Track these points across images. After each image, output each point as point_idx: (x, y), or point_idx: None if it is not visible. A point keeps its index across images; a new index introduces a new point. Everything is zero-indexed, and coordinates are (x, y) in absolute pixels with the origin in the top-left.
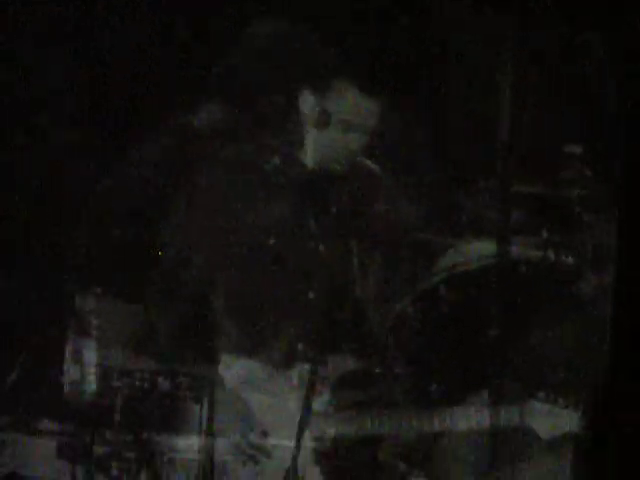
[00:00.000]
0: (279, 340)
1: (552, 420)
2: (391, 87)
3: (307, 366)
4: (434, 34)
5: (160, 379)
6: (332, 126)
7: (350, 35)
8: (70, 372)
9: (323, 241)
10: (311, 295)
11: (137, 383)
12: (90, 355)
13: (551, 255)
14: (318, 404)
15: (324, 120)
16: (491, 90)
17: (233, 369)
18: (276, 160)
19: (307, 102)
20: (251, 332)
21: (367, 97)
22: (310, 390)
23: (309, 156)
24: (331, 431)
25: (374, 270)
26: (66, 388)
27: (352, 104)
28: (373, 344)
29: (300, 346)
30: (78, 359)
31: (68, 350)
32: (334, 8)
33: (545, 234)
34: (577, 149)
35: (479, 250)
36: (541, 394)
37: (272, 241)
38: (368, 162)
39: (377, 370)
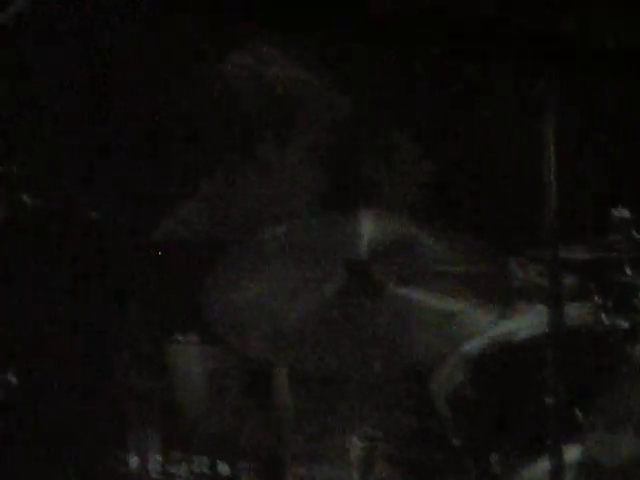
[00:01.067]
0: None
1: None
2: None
3: (366, 442)
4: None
5: (220, 464)
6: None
7: None
8: (131, 462)
9: (375, 319)
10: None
11: (196, 469)
12: (153, 443)
13: (605, 319)
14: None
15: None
16: (537, 156)
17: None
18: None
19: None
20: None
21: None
22: (369, 466)
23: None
24: None
25: (425, 340)
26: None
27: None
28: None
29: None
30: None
31: (130, 439)
32: None
33: (598, 299)
34: (625, 212)
35: (531, 318)
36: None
37: (334, 312)
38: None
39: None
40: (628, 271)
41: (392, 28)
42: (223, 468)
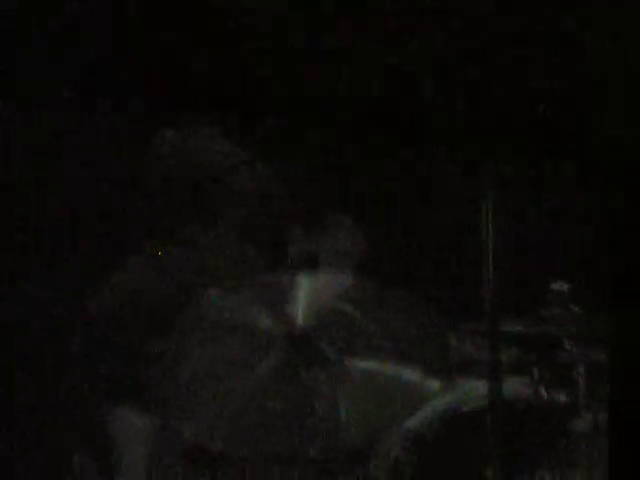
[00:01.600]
0: None
1: None
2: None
3: None
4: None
5: None
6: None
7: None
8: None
9: (315, 394)
10: (312, 452)
11: None
12: None
13: (543, 393)
14: None
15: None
16: (476, 228)
17: None
18: (266, 320)
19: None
20: None
21: (359, 229)
22: None
23: (300, 309)
24: None
25: (365, 414)
26: None
27: (344, 237)
28: None
29: None
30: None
31: None
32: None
33: (536, 373)
34: (564, 286)
35: (471, 391)
36: None
37: (269, 403)
38: (347, 307)
39: None
40: (567, 345)
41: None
42: None
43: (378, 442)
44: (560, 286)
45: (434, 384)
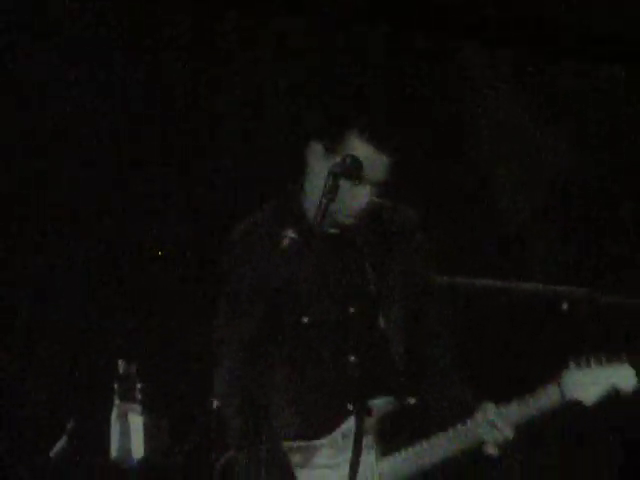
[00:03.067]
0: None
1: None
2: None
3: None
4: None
5: None
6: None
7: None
8: (116, 436)
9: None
10: (351, 358)
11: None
12: (136, 420)
13: None
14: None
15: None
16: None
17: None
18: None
19: (316, 154)
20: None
21: (378, 151)
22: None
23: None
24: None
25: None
26: (113, 453)
27: (362, 158)
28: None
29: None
30: (124, 424)
31: (114, 415)
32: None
33: None
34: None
35: None
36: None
37: (305, 320)
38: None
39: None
40: None
41: None
42: None
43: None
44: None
45: None
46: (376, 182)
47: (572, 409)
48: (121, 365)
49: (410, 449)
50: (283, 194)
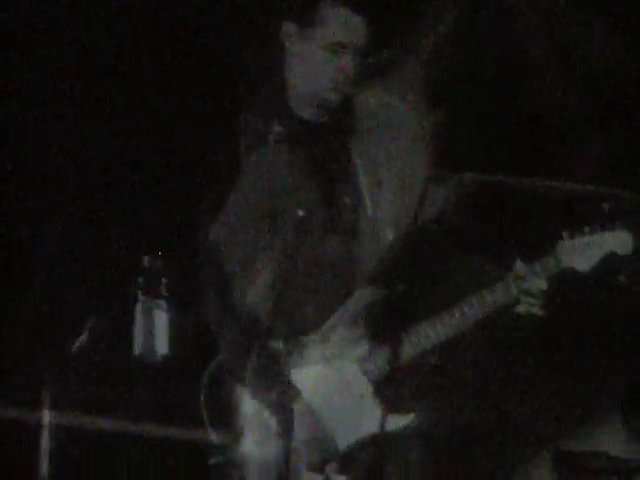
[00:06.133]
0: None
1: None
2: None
3: None
4: None
5: None
6: (321, 52)
7: None
8: (140, 332)
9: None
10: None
11: None
12: (161, 315)
13: None
14: None
15: None
16: None
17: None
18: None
19: (291, 34)
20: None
21: (354, 13)
22: None
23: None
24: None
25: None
26: (137, 349)
27: (339, 23)
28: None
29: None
30: (149, 320)
31: (138, 310)
32: None
33: None
34: None
35: None
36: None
37: (300, 212)
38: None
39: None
40: None
41: None
42: None
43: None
44: None
45: None
46: (359, 49)
47: None
48: (146, 260)
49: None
50: (264, 87)
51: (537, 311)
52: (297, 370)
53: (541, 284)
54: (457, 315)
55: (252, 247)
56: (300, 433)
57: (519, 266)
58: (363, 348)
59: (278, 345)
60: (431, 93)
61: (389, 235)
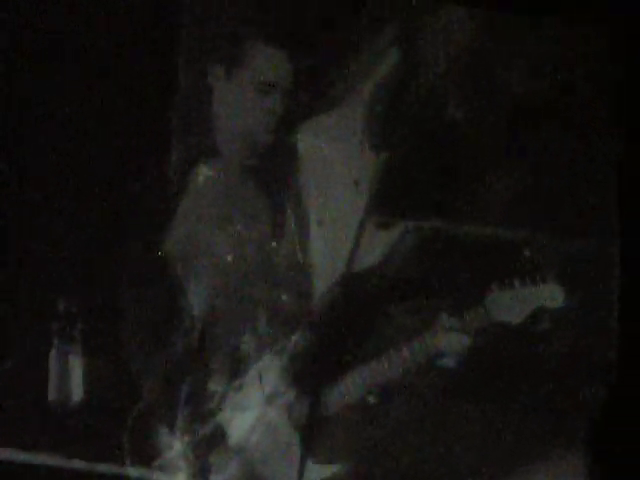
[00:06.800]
0: None
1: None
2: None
3: None
4: None
5: None
6: (250, 92)
7: None
8: (54, 378)
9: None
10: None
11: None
12: (75, 362)
13: None
14: None
15: None
16: None
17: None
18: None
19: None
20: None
21: (282, 52)
22: None
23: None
24: None
25: None
26: (50, 394)
27: (266, 63)
28: None
29: None
30: (62, 364)
31: (52, 355)
32: None
33: None
34: None
35: None
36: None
37: (229, 258)
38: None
39: None
40: None
41: None
42: None
43: None
44: None
45: None
46: (288, 89)
47: None
48: (60, 303)
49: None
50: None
51: (453, 365)
52: (233, 412)
53: (463, 340)
54: (385, 365)
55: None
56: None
57: (444, 320)
58: (291, 395)
59: (216, 386)
60: (372, 136)
61: (318, 282)
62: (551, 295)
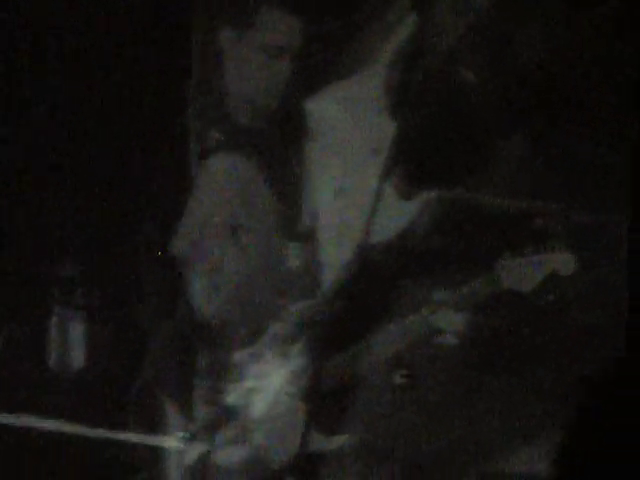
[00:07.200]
0: None
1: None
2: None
3: None
4: None
5: None
6: (258, 55)
7: None
8: (55, 344)
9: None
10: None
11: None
12: (76, 326)
13: None
14: None
15: None
16: None
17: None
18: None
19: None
20: None
21: (293, 16)
22: None
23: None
24: None
25: None
26: (51, 361)
27: (276, 26)
28: None
29: None
30: (63, 331)
31: (53, 321)
32: None
33: None
34: None
35: None
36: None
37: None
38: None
39: None
40: None
41: None
42: None
43: None
44: None
45: None
46: (298, 52)
47: None
48: (61, 268)
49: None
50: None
51: (451, 341)
52: (232, 385)
53: (458, 317)
54: (389, 338)
55: (217, 261)
56: (233, 455)
57: (440, 294)
58: (297, 364)
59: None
60: (390, 103)
61: (334, 252)
62: (562, 262)
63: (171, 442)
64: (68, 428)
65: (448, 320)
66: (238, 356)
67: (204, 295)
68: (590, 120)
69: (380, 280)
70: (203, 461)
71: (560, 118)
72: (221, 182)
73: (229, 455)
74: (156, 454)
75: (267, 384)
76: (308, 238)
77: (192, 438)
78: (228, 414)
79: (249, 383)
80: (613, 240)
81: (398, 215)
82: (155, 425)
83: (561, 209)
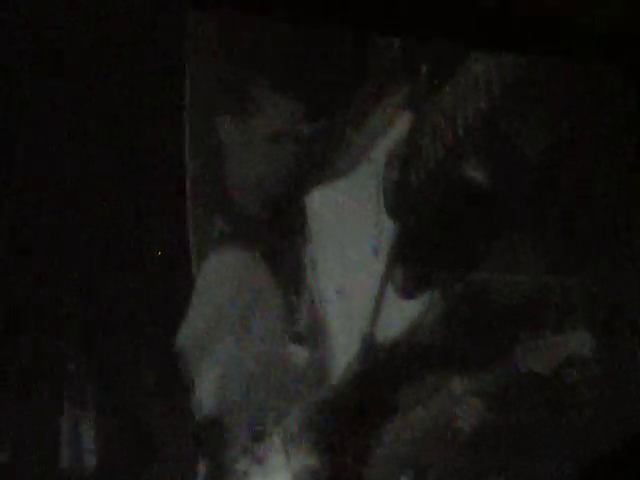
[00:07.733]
0: None
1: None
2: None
3: None
4: None
5: None
6: (261, 142)
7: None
8: (66, 446)
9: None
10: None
11: None
12: (87, 427)
13: None
14: None
15: None
16: None
17: None
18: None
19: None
20: None
21: (292, 100)
22: None
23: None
24: None
25: None
26: (62, 463)
27: (276, 111)
28: None
29: None
30: (75, 431)
31: (64, 422)
32: None
33: None
34: None
35: None
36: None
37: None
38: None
39: None
40: None
41: None
42: None
43: None
44: None
45: None
46: (301, 138)
47: None
48: (69, 364)
49: None
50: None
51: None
52: None
53: (476, 403)
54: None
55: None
56: None
57: (455, 383)
58: (301, 467)
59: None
60: (388, 202)
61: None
62: (582, 342)
63: None
64: None
65: (464, 407)
66: (242, 462)
67: (209, 394)
68: (604, 191)
69: (388, 376)
70: None
71: (572, 191)
72: (225, 278)
73: None
74: None
75: None
76: (309, 339)
77: None
78: None
79: None
80: (630, 315)
81: (402, 315)
82: None
83: (578, 284)
